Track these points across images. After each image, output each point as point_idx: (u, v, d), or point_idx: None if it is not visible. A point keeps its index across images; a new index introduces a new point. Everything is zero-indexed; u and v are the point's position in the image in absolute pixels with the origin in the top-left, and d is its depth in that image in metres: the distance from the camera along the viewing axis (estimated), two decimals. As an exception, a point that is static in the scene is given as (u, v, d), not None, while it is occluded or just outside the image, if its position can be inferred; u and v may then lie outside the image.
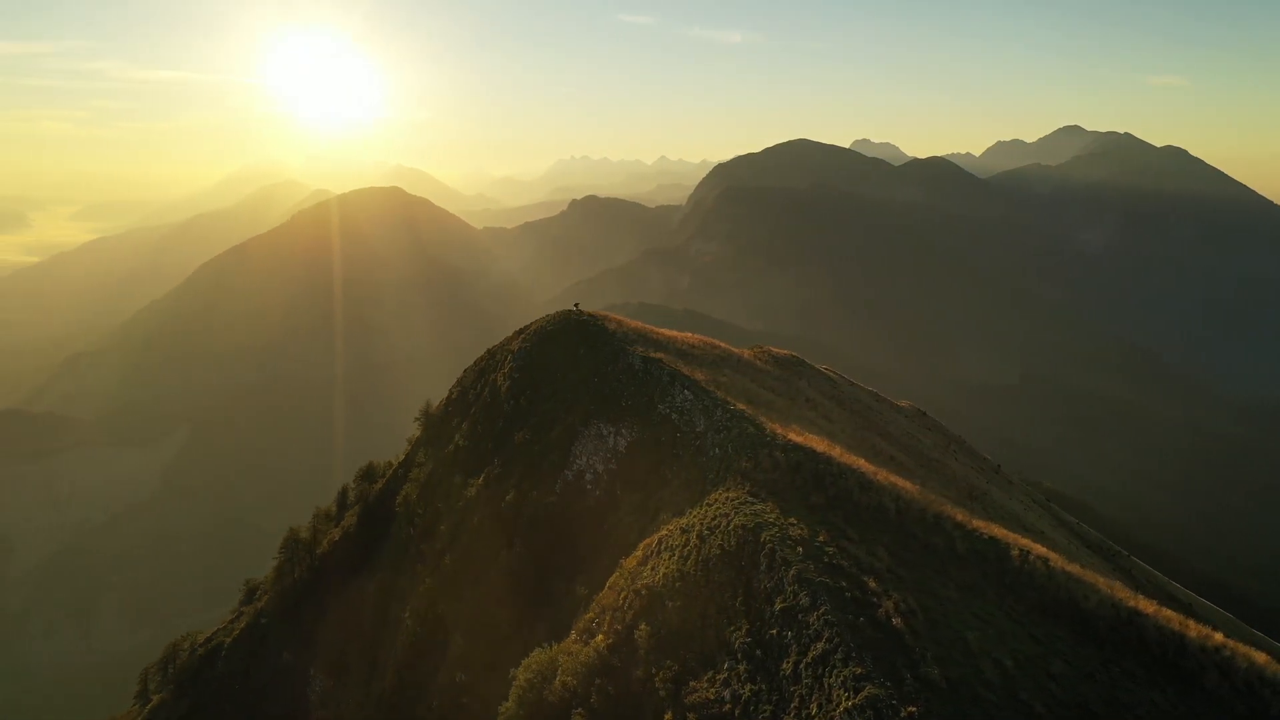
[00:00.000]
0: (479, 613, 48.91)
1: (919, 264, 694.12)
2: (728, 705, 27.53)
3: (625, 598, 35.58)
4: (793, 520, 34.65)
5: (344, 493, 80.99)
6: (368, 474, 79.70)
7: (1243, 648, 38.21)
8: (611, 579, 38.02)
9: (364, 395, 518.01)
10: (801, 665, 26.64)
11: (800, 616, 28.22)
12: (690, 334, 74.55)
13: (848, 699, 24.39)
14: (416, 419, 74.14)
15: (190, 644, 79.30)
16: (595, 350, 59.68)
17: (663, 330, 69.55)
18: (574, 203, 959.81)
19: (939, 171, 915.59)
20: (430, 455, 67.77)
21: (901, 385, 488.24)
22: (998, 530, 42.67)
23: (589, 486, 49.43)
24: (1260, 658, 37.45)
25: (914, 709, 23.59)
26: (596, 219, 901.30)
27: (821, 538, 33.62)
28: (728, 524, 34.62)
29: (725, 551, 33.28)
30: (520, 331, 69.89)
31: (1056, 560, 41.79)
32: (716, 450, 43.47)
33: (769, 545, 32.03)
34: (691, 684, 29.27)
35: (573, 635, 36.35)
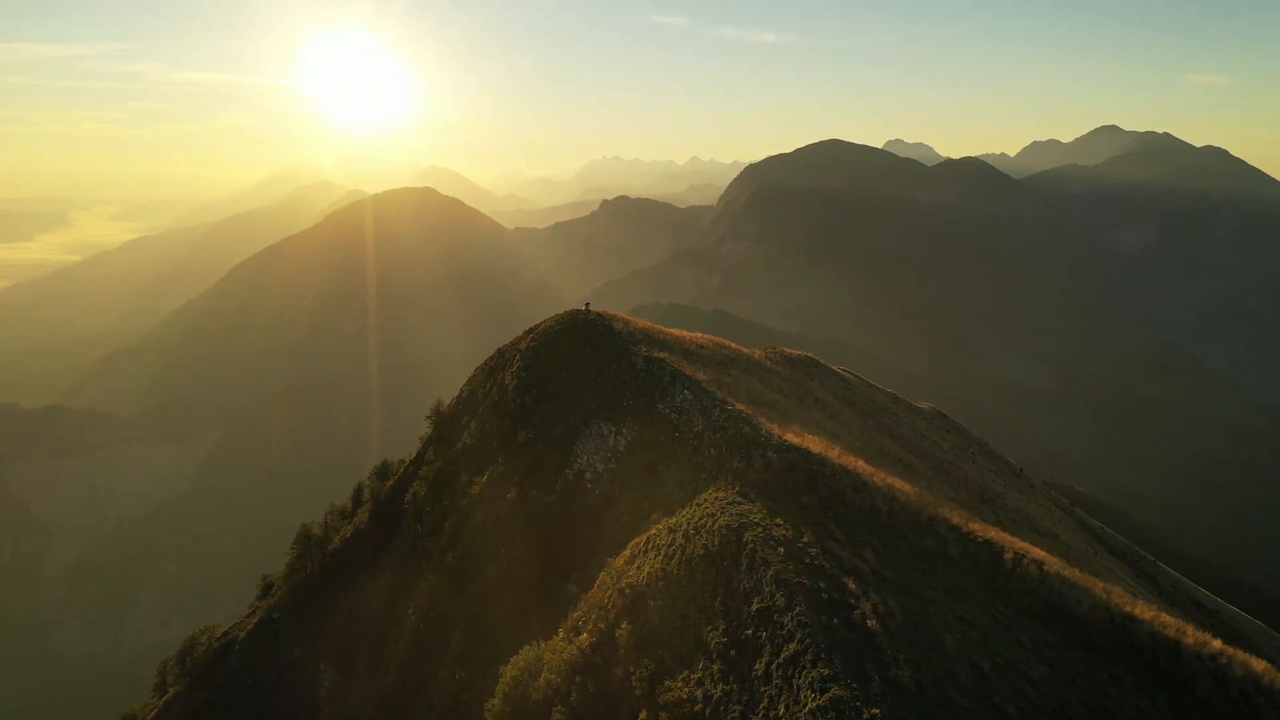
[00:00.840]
0: (478, 610, 49.22)
1: (952, 265, 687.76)
2: (699, 705, 27.54)
3: (610, 596, 35.72)
4: (779, 521, 34.56)
5: (359, 490, 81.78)
6: (381, 471, 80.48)
7: (1241, 655, 37.63)
8: (600, 577, 38.20)
9: (396, 394, 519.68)
10: (773, 666, 26.59)
11: (775, 617, 28.17)
12: (699, 334, 74.43)
13: (813, 700, 24.32)
14: (427, 417, 74.77)
15: (208, 638, 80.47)
16: (600, 350, 59.82)
17: (671, 330, 69.53)
18: (605, 203, 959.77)
19: (973, 172, 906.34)
20: (439, 453, 68.27)
21: (933, 387, 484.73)
22: (995, 533, 42.30)
23: (589, 486, 49.56)
24: (1259, 665, 36.85)
25: (877, 711, 23.46)
26: (627, 219, 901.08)
27: (806, 538, 33.49)
28: (713, 524, 34.63)
29: (708, 551, 33.29)
30: (530, 331, 70.28)
31: (1054, 564, 41.34)
32: (712, 450, 43.46)
33: (751, 545, 32.00)
34: (666, 683, 29.31)
35: (560, 633, 36.52)
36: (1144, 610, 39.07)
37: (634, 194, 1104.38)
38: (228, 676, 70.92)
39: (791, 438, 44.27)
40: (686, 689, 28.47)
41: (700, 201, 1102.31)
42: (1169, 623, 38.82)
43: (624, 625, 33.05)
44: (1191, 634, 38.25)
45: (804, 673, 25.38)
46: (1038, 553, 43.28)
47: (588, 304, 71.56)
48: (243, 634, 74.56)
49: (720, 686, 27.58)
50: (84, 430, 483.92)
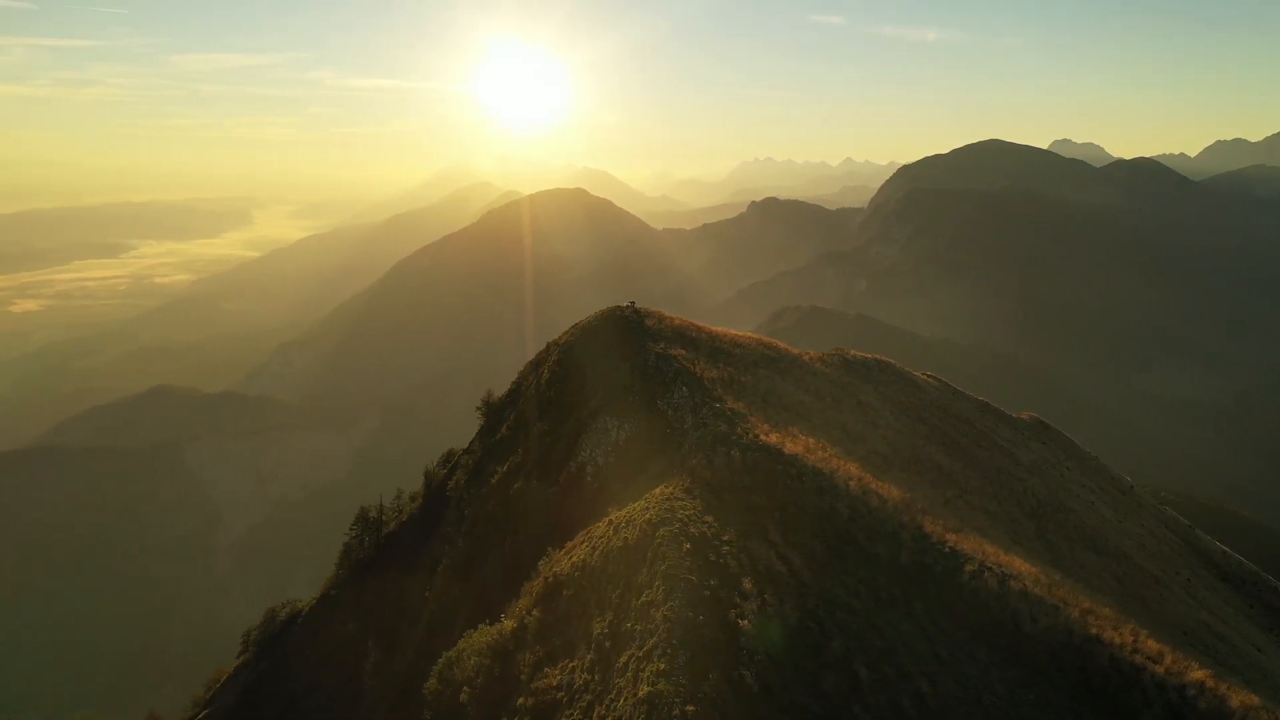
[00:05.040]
0: (481, 597, 50.65)
1: (1118, 271, 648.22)
2: (561, 694, 27.83)
3: (536, 585, 36.45)
4: (709, 519, 34.23)
5: (428, 475, 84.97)
6: (445, 459, 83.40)
7: (1224, 688, 34.89)
8: (540, 565, 38.98)
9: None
10: (632, 660, 26.57)
11: (651, 611, 28.11)
12: (746, 334, 73.86)
13: (643, 692, 24.27)
14: (477, 408, 77.19)
15: (288, 611, 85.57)
16: (623, 345, 60.35)
17: (709, 327, 69.30)
18: (753, 204, 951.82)
19: (1145, 173, 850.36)
20: (482, 443, 70.59)
21: (1092, 401, 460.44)
22: (973, 545, 40.46)
23: (589, 479, 50.16)
24: (1239, 700, 34.14)
25: (692, 708, 23.14)
26: (775, 221, 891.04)
27: (727, 537, 33.06)
28: (640, 518, 34.71)
29: (625, 545, 33.42)
30: (574, 326, 71.62)
31: (1033, 580, 39.20)
32: (685, 448, 43.41)
33: (659, 540, 31.94)
34: (545, 670, 29.73)
35: (503, 619, 37.37)
36: (1120, 635, 36.61)
37: (785, 196, 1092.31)
38: (289, 647, 75.29)
39: (771, 437, 43.63)
40: (558, 677, 28.82)
41: (853, 204, 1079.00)
42: (1148, 649, 36.29)
43: (535, 612, 33.70)
44: (1169, 663, 35.67)
45: (648, 667, 25.33)
46: (1021, 567, 41.16)
47: (632, 302, 72.13)
48: (306, 609, 79.00)
49: (584, 677, 27.79)
50: (254, 415, 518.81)
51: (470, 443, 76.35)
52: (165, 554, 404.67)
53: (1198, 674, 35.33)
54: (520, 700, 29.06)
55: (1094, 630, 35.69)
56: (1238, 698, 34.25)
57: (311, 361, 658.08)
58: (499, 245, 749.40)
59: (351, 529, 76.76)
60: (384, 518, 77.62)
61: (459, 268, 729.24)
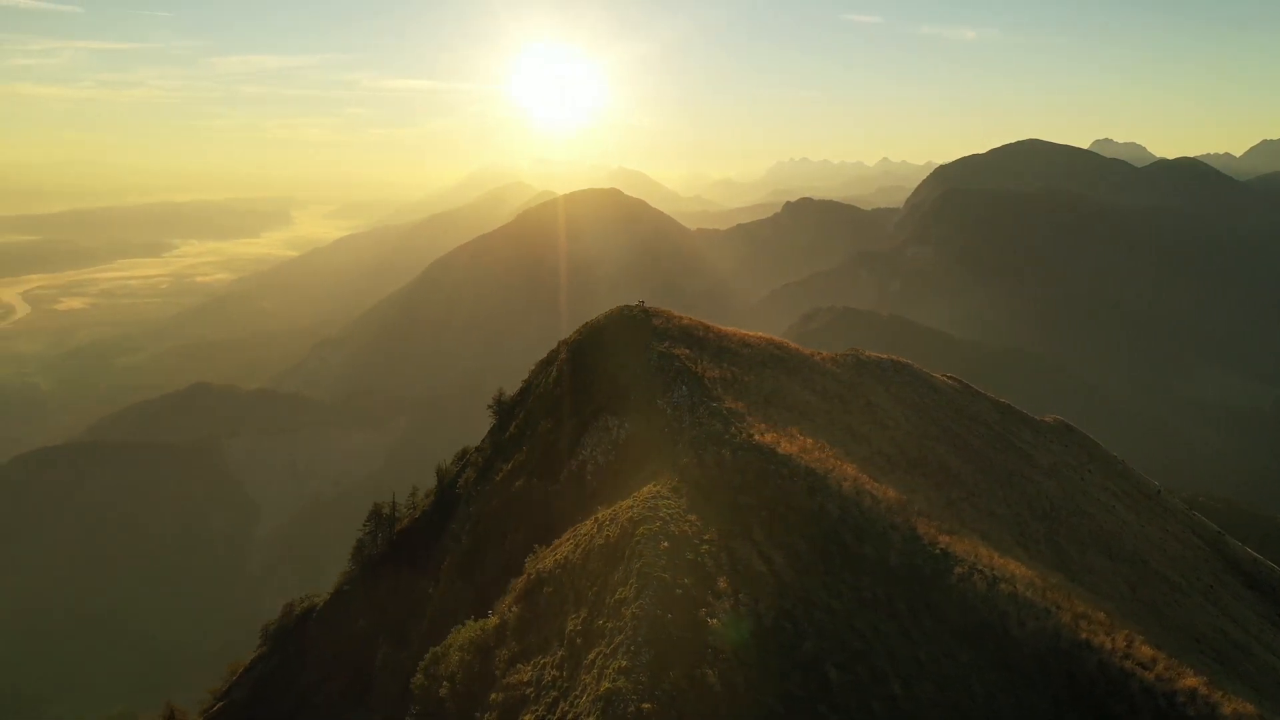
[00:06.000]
0: (480, 593, 50.89)
1: (1158, 274, 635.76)
2: (530, 689, 27.95)
3: (520, 581, 36.58)
4: (692, 518, 34.10)
5: (440, 473, 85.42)
6: (459, 457, 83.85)
7: (1218, 696, 34.26)
8: (526, 563, 39.09)
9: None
10: (600, 656, 26.60)
11: (623, 609, 28.10)
12: (757, 333, 73.41)
13: (602, 689, 24.29)
14: (489, 406, 77.55)
15: (305, 605, 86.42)
16: (629, 344, 60.38)
17: (719, 327, 68.96)
18: (787, 205, 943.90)
19: (1188, 173, 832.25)
20: (492, 441, 71.02)
21: (1129, 405, 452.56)
22: (966, 547, 40.01)
23: (589, 478, 50.25)
24: (1232, 708, 33.53)
25: (648, 705, 23.12)
26: (810, 221, 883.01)
27: (708, 536, 32.93)
28: (624, 516, 34.70)
29: (607, 542, 33.45)
30: (585, 325, 71.70)
31: (1026, 583, 38.67)
32: (679, 447, 43.30)
33: (638, 539, 31.92)
34: (518, 666, 29.85)
35: (490, 614, 37.55)
36: (1113, 640, 36.00)
37: (820, 196, 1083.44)
38: (303, 642, 76.09)
39: (766, 437, 43.40)
40: (529, 673, 28.93)
41: (888, 204, 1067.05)
42: (1140, 654, 35.67)
43: (515, 609, 33.84)
44: (1161, 669, 35.04)
45: (611, 664, 25.35)
46: (1015, 570, 40.58)
47: (641, 301, 72.12)
48: (320, 604, 79.84)
49: (553, 673, 27.88)
50: (290, 412, 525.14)
51: (482, 440, 76.80)
52: (203, 548, 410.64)
53: (1190, 681, 34.68)
54: (493, 696, 29.21)
55: (1084, 635, 35.16)
56: (1231, 705, 33.57)
57: (347, 359, 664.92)
58: (534, 245, 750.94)
59: (365, 525, 77.42)
60: (397, 514, 78.10)
61: (494, 267, 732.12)
